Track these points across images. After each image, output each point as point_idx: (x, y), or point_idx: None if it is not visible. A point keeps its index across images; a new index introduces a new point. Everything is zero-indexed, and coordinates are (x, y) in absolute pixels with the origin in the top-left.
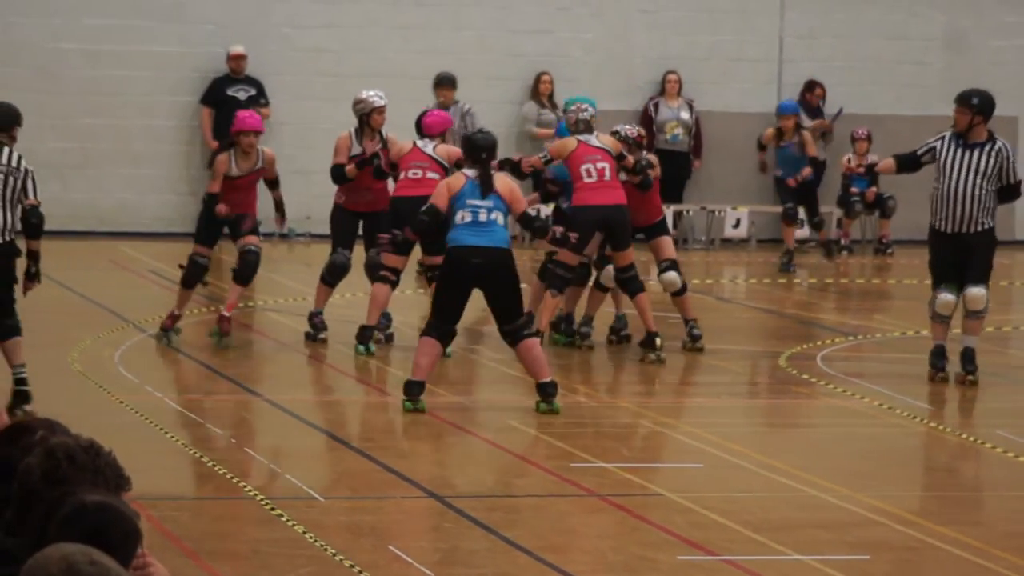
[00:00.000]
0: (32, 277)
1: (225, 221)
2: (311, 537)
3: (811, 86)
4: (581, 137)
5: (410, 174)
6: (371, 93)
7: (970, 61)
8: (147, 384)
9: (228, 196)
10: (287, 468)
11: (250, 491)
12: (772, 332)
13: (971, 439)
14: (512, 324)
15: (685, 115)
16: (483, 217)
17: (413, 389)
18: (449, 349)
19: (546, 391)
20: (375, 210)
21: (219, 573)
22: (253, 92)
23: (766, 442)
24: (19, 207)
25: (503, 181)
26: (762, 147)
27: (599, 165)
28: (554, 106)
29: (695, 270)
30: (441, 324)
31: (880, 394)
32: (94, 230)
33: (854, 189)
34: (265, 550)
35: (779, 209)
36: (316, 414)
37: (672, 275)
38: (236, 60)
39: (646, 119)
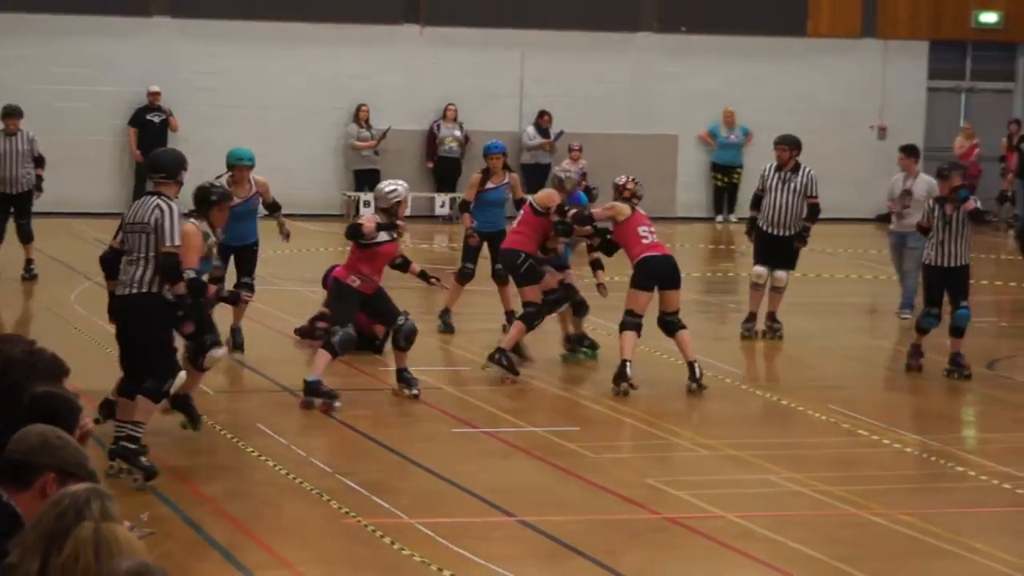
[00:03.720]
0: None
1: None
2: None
3: (542, 114)
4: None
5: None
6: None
7: (646, 98)
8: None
9: None
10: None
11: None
12: None
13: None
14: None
15: (458, 133)
16: None
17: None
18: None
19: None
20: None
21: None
22: (164, 117)
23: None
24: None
25: None
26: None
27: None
28: (370, 127)
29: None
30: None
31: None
32: (57, 211)
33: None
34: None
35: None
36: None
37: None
38: (153, 95)
39: (431, 136)
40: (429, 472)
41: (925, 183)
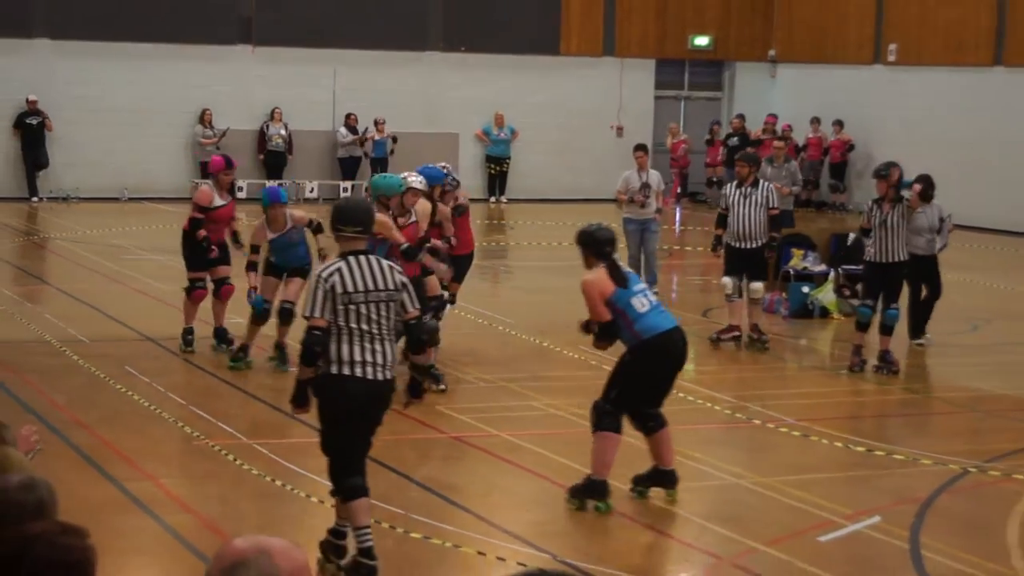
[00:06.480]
0: (418, 394)
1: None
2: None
3: (348, 115)
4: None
5: None
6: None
7: (433, 103)
8: None
9: None
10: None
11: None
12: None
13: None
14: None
15: (284, 132)
16: (653, 299)
17: (604, 489)
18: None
19: (670, 479)
20: None
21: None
22: (41, 119)
23: None
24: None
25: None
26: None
27: None
28: (212, 127)
29: None
30: (621, 412)
31: None
32: None
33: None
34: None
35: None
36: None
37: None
38: (32, 102)
39: (261, 134)
40: (264, 403)
41: (656, 175)
